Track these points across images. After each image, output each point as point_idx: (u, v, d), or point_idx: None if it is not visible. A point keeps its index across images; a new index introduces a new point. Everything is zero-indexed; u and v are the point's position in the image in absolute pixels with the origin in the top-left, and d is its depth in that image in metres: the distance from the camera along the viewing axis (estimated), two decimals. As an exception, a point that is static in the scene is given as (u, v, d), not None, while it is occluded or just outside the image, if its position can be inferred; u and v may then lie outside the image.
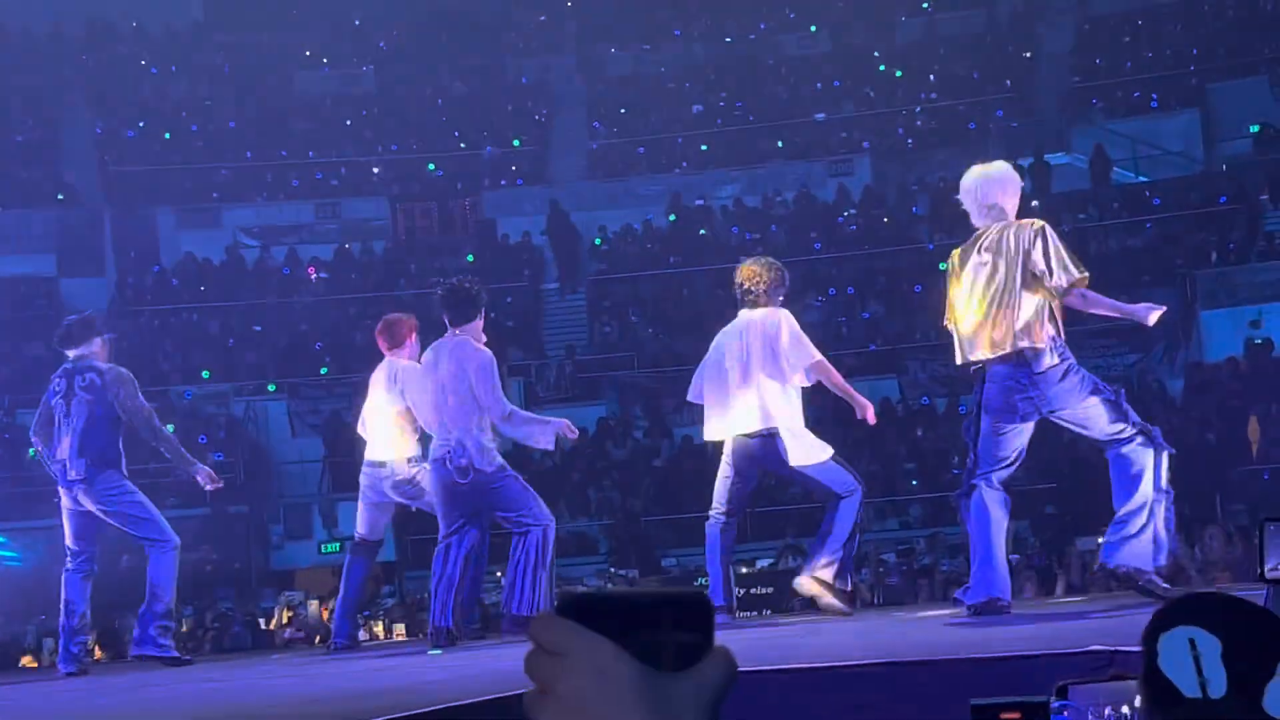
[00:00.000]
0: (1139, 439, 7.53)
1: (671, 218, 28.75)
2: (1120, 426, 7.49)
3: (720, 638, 1.15)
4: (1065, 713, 2.59)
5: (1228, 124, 28.08)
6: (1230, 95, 28.03)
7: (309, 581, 22.12)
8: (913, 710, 4.79)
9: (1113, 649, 4.64)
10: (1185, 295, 24.97)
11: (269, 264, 28.64)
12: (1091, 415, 7.54)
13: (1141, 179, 28.15)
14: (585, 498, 23.93)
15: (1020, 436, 7.65)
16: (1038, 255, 7.42)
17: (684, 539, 22.75)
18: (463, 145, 30.80)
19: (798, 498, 23.36)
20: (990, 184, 7.73)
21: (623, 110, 31.64)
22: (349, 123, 31.30)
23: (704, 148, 30.30)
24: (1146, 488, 7.46)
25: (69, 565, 9.59)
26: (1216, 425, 21.97)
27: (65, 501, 9.57)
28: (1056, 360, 7.49)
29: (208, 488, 9.93)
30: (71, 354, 9.52)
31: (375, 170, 30.55)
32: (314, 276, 28.50)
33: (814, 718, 4.95)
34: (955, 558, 17.89)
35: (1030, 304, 7.45)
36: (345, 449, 24.61)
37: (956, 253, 7.76)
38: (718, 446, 9.16)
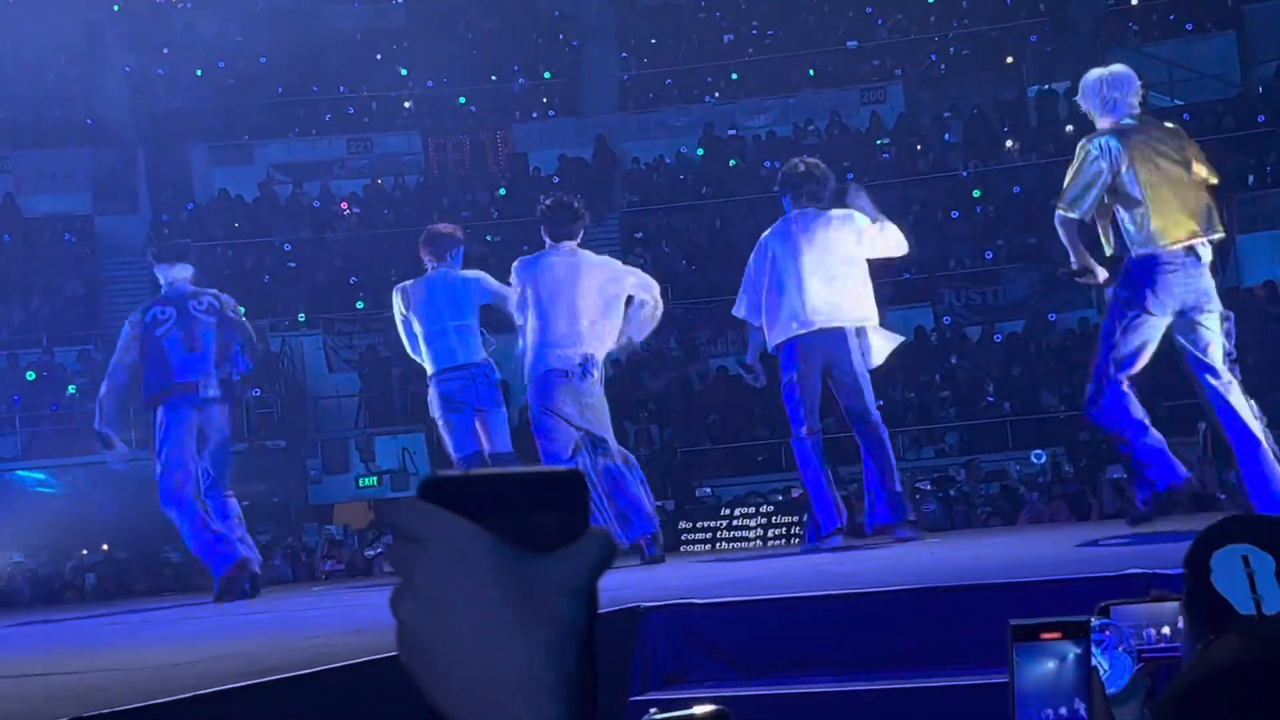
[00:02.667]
0: None
1: (700, 151, 28.66)
2: None
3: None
4: (1107, 632, 2.61)
5: (1264, 46, 27.77)
6: (1267, 16, 27.70)
7: (347, 515, 22.30)
8: (952, 633, 4.82)
9: (1151, 572, 4.65)
10: (1223, 217, 24.80)
11: (302, 200, 28.68)
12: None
13: (1178, 102, 27.88)
14: (621, 429, 23.97)
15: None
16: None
17: (718, 470, 22.83)
18: (493, 78, 30.70)
19: (831, 427, 23.38)
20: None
21: (653, 41, 31.46)
22: (380, 57, 31.21)
23: (735, 77, 30.13)
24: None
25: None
26: (1254, 349, 21.86)
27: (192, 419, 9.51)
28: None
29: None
30: (167, 278, 9.68)
31: (407, 105, 30.48)
32: (347, 212, 28.53)
33: (854, 643, 4.98)
34: (991, 484, 17.93)
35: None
36: (381, 383, 24.79)
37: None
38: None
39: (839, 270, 8.65)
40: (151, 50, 30.54)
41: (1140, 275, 7.45)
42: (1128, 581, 4.66)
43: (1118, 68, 7.86)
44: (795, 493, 19.13)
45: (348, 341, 25.21)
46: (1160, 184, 7.47)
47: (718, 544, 13.26)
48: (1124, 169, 7.43)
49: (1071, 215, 7.50)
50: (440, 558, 0.97)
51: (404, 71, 30.91)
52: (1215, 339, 7.44)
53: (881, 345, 8.77)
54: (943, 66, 29.30)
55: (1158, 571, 4.60)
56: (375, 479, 23.75)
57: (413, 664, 0.98)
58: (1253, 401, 7.50)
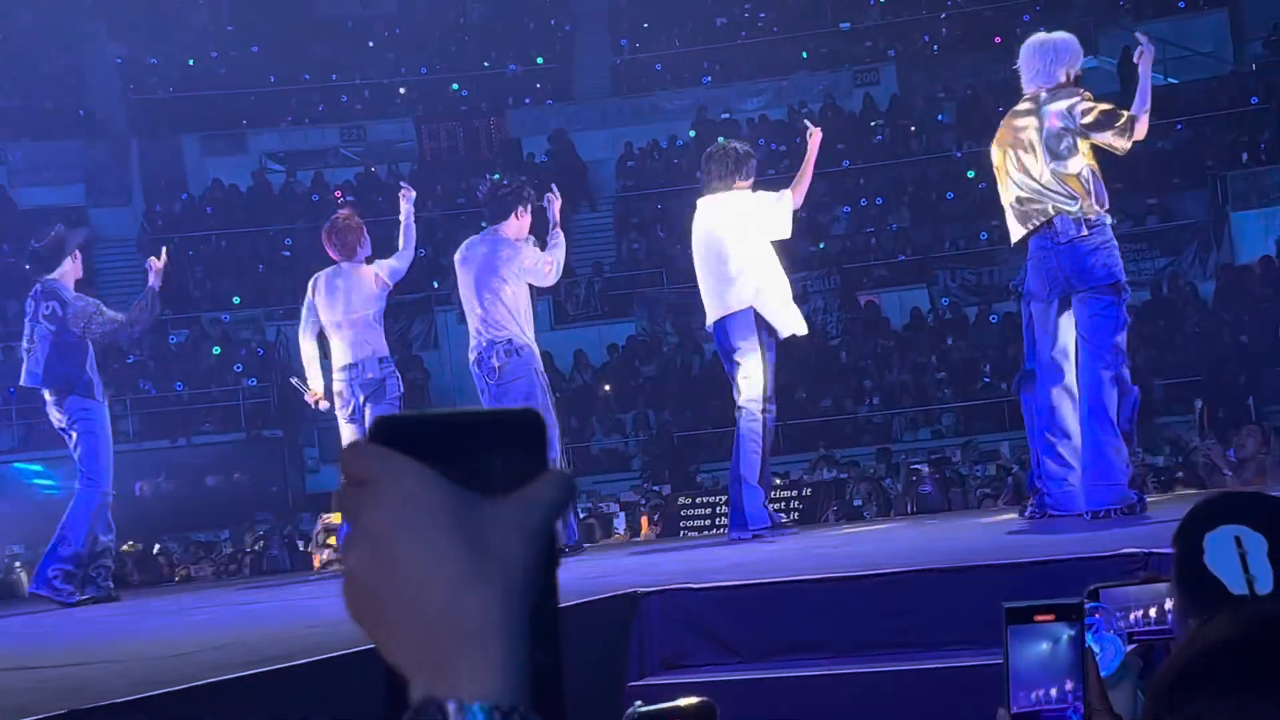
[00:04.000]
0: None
1: (692, 134, 28.62)
2: None
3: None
4: (1097, 614, 2.61)
5: (1256, 24, 27.76)
6: (1259, -6, 27.70)
7: (345, 503, 22.30)
8: (948, 615, 4.82)
9: (1146, 551, 4.66)
10: (1216, 196, 24.81)
11: (296, 189, 28.65)
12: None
13: (1171, 80, 27.85)
14: (618, 415, 24.01)
15: None
16: None
17: (714, 453, 22.84)
18: (486, 64, 30.66)
19: (829, 410, 23.41)
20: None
21: (645, 25, 31.42)
22: (371, 45, 31.17)
23: (728, 61, 30.10)
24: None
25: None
26: (1249, 326, 21.88)
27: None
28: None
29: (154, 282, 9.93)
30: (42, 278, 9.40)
31: (401, 91, 30.44)
32: (340, 200, 28.50)
33: (851, 625, 4.98)
34: (988, 465, 17.92)
35: None
36: (377, 371, 24.79)
37: None
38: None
39: None
40: (143, 40, 30.48)
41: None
42: (1123, 561, 4.67)
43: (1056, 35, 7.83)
44: (794, 476, 19.15)
45: (343, 330, 25.21)
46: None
47: (716, 522, 13.29)
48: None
49: None
50: (389, 501, 0.93)
51: (396, 59, 30.85)
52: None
53: None
54: (935, 47, 29.28)
55: (1153, 551, 4.61)
56: (373, 467, 23.77)
57: (360, 614, 0.94)
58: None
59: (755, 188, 8.94)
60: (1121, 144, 7.22)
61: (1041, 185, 7.25)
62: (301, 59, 30.51)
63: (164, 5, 31.35)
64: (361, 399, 9.44)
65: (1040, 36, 7.66)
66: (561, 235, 9.16)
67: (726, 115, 28.86)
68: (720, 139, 9.60)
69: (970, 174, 26.46)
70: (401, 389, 9.59)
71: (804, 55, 29.87)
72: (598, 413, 23.99)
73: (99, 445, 9.34)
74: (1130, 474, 7.13)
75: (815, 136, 9.00)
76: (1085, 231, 7.16)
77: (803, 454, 20.85)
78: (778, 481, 18.95)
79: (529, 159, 28.95)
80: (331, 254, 9.73)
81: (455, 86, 30.37)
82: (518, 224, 8.99)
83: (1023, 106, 7.46)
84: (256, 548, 17.97)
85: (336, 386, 9.62)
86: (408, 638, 0.92)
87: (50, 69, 29.57)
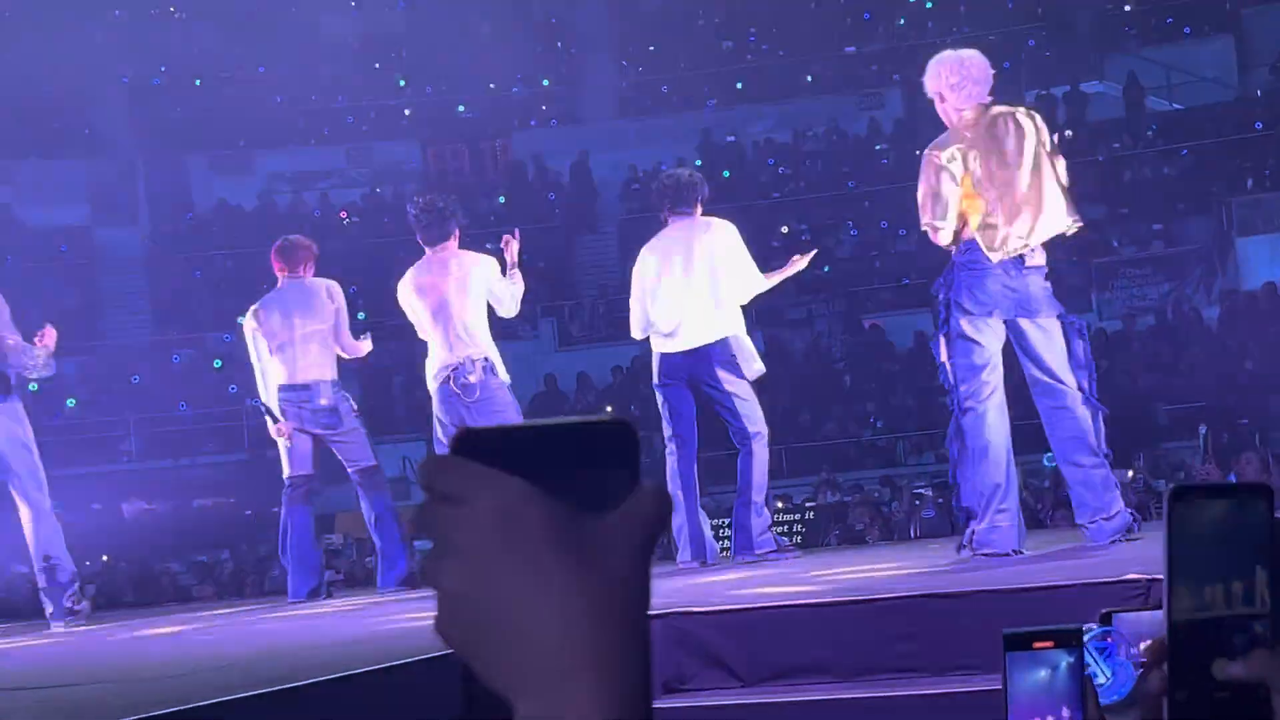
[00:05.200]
0: None
1: (698, 162, 28.67)
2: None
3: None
4: (1109, 639, 2.59)
5: (1262, 50, 27.79)
6: (1264, 20, 27.72)
7: (347, 525, 22.27)
8: (948, 641, 4.81)
9: (1150, 577, 4.64)
10: (1221, 222, 24.82)
11: (301, 209, 28.69)
12: None
13: (1176, 106, 27.91)
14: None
15: None
16: None
17: (719, 477, 22.80)
18: (492, 86, 30.73)
19: (832, 433, 23.39)
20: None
21: (652, 48, 31.48)
22: (378, 65, 31.24)
23: (737, 85, 30.15)
24: None
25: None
26: (1254, 352, 21.87)
27: None
28: None
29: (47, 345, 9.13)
30: None
31: (406, 113, 30.51)
32: (346, 220, 28.55)
33: (852, 650, 4.97)
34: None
35: None
36: (380, 392, 24.77)
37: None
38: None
39: None
40: (149, 60, 30.55)
41: None
42: (1127, 586, 4.65)
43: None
44: (796, 499, 19.13)
45: (347, 351, 25.21)
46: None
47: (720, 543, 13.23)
48: None
49: None
50: (486, 518, 0.88)
51: (402, 81, 30.93)
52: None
53: None
54: (941, 72, 29.30)
55: (1155, 577, 4.59)
56: (376, 488, 23.73)
57: (458, 637, 0.89)
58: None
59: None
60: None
61: None
62: (308, 79, 30.57)
63: (170, 26, 31.44)
64: (310, 422, 9.18)
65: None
66: (519, 277, 8.84)
67: (732, 138, 28.91)
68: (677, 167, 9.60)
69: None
70: (354, 406, 9.39)
71: (809, 79, 29.92)
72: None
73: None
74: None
75: (797, 263, 8.88)
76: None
77: (805, 477, 20.83)
78: (779, 505, 18.95)
79: (534, 180, 29.02)
80: (278, 269, 9.49)
81: (461, 108, 30.44)
82: (456, 242, 8.83)
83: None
84: (259, 568, 17.96)
85: (277, 407, 9.25)
86: (515, 660, 0.88)
87: (56, 88, 29.63)
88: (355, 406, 9.41)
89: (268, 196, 28.76)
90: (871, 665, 4.92)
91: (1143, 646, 2.65)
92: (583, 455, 0.91)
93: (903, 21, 30.54)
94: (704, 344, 8.51)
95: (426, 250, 8.91)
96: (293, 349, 9.19)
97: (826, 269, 25.80)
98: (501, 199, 28.28)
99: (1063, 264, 24.85)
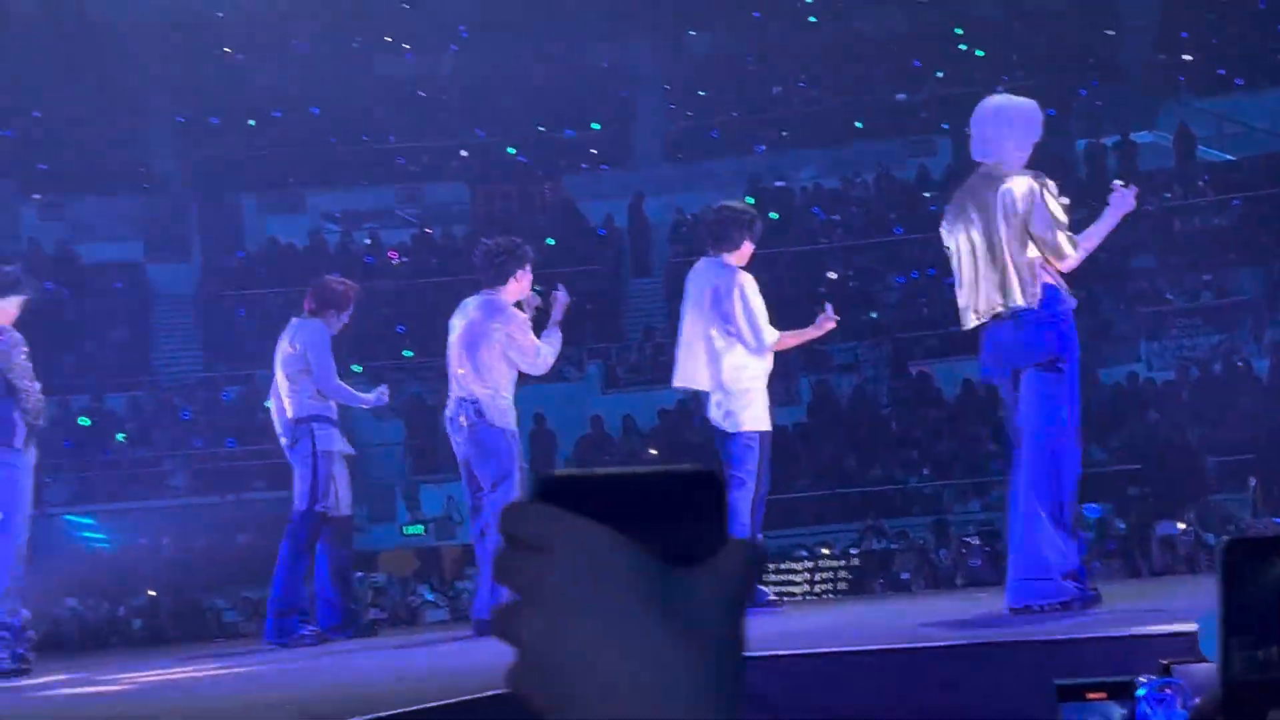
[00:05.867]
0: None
1: (750, 200, 28.69)
2: None
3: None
4: (1168, 690, 2.58)
5: (1315, 101, 27.69)
6: (1318, 71, 27.64)
7: (391, 563, 22.32)
8: (999, 691, 4.78)
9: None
10: (1272, 273, 24.69)
11: (351, 248, 28.87)
12: None
13: (1227, 157, 27.80)
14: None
15: None
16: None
17: (767, 522, 22.75)
18: (542, 129, 30.88)
19: (878, 480, 23.30)
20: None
21: (701, 93, 31.59)
22: (429, 107, 31.46)
23: (783, 131, 30.22)
24: None
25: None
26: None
27: None
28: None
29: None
30: None
31: (461, 154, 30.69)
32: (395, 261, 28.70)
33: (901, 698, 4.95)
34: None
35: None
36: (427, 431, 24.83)
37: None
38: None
39: None
40: (204, 100, 30.86)
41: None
42: (1181, 639, 4.62)
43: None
44: (841, 546, 19.07)
45: (395, 389, 25.26)
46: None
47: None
48: None
49: None
50: (572, 568, 0.84)
51: (453, 122, 31.12)
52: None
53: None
54: (990, 120, 29.25)
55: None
56: (421, 527, 23.79)
57: (539, 690, 0.85)
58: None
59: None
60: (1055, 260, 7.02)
61: None
62: (360, 120, 30.81)
63: (226, 66, 31.75)
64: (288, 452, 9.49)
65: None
66: (559, 334, 8.84)
67: (781, 183, 28.95)
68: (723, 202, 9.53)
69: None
70: (316, 448, 9.42)
71: (859, 125, 29.95)
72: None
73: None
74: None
75: (823, 326, 8.82)
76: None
77: (851, 524, 20.76)
78: (825, 551, 18.90)
79: (583, 222, 29.12)
80: (305, 304, 9.75)
81: (511, 150, 30.59)
82: (517, 286, 8.76)
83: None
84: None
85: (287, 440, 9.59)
86: (601, 717, 0.84)
87: (113, 128, 29.96)
88: (314, 447, 9.42)
89: (318, 236, 28.95)
90: (917, 715, 4.89)
91: (1197, 703, 2.63)
92: (669, 505, 0.88)
93: (943, 75, 30.53)
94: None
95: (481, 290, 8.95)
96: (281, 384, 9.62)
97: (874, 315, 25.77)
98: (550, 241, 28.36)
99: (1112, 313, 24.81)
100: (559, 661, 0.85)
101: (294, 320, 9.74)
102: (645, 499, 0.88)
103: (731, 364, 8.44)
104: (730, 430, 8.47)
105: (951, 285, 7.33)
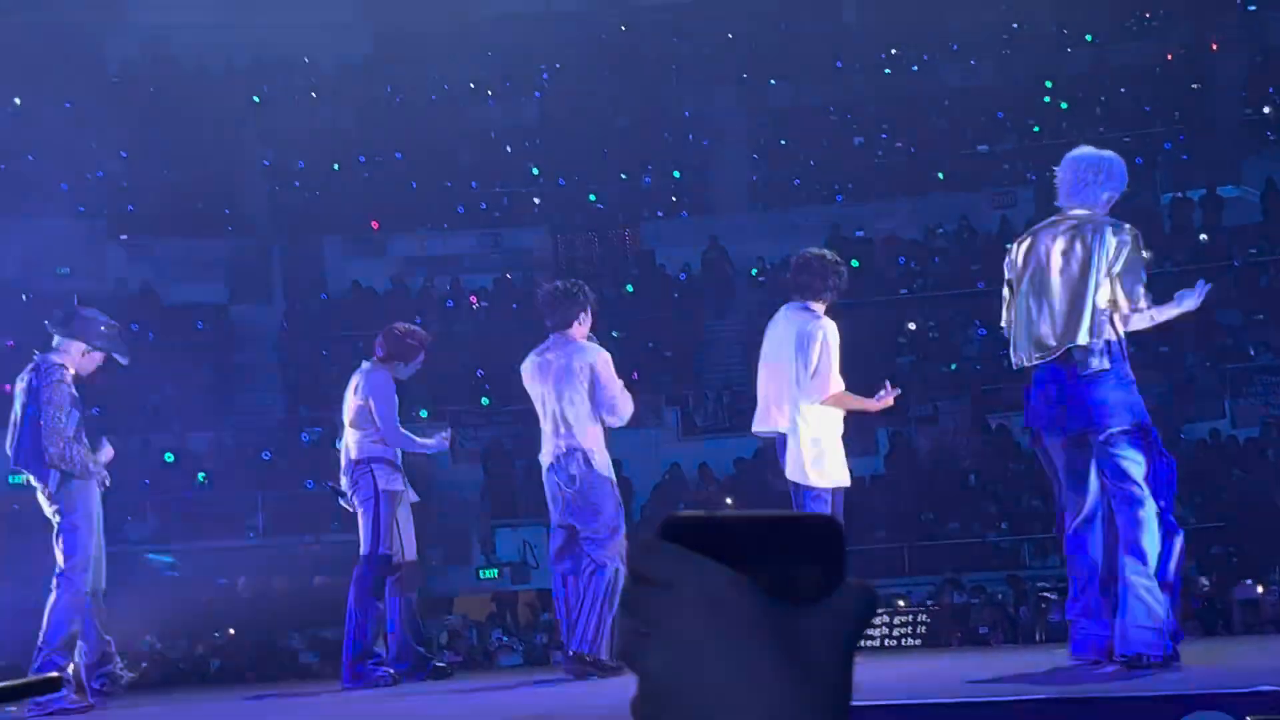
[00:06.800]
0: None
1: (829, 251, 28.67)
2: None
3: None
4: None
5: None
6: None
7: (467, 606, 22.37)
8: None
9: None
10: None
11: (432, 292, 29.07)
12: None
13: (1316, 212, 27.49)
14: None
15: None
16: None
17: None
18: (623, 176, 31.01)
19: (956, 533, 23.13)
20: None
21: (783, 141, 31.64)
22: (512, 153, 31.68)
23: (864, 179, 30.19)
24: None
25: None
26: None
27: None
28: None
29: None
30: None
31: (536, 200, 30.88)
32: (475, 305, 28.87)
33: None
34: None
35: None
36: (504, 476, 24.92)
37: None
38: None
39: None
40: (290, 143, 31.24)
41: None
42: (1258, 699, 4.55)
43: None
44: (917, 598, 18.92)
45: (472, 434, 25.41)
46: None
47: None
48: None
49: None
50: (695, 605, 0.88)
51: (535, 171, 31.33)
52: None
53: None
54: (1074, 172, 29.09)
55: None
56: (496, 571, 23.84)
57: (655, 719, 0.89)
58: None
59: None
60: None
61: None
62: (443, 165, 31.07)
63: (312, 110, 32.14)
64: (352, 495, 9.55)
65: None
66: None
67: (861, 233, 28.91)
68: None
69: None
70: (378, 487, 9.48)
71: (940, 176, 29.88)
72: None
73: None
74: None
75: (883, 402, 8.66)
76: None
77: (927, 576, 20.60)
78: (900, 604, 18.75)
79: (661, 269, 29.18)
80: (376, 350, 9.93)
81: (592, 196, 30.74)
82: (581, 329, 8.80)
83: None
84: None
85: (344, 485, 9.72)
86: None
87: (199, 170, 30.37)
88: (376, 487, 9.48)
89: (400, 280, 29.18)
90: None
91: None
92: (790, 548, 0.91)
93: (1036, 123, 30.41)
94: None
95: (551, 334, 8.96)
96: (347, 431, 9.75)
97: (954, 366, 25.63)
98: (629, 288, 28.46)
99: (1196, 369, 24.56)
100: (680, 694, 0.88)
101: (364, 365, 9.90)
102: (767, 542, 0.91)
103: (808, 412, 8.36)
104: (801, 483, 8.36)
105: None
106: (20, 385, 8.50)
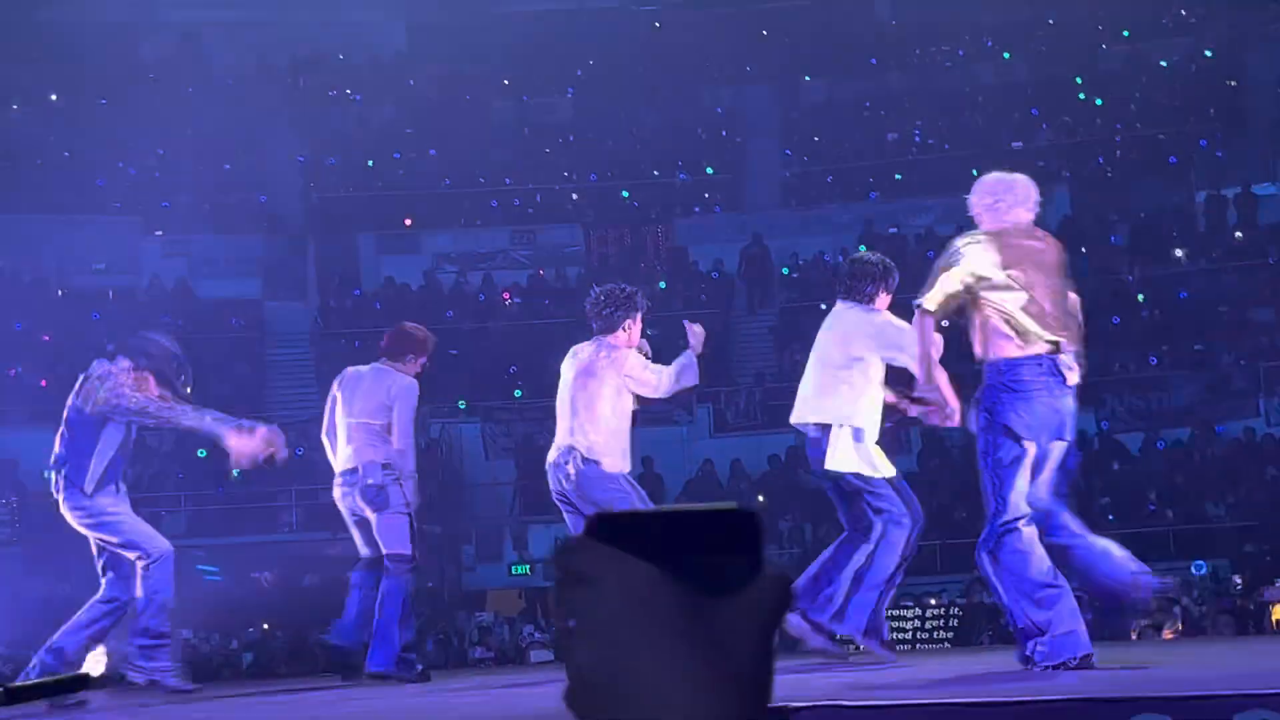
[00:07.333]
0: None
1: (863, 247, 28.59)
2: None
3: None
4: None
5: None
6: None
7: (499, 603, 22.42)
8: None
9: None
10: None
11: (466, 289, 29.13)
12: None
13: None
14: (774, 527, 23.88)
15: None
16: None
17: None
18: (656, 173, 31.02)
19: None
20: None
21: (816, 138, 31.59)
22: (546, 150, 31.71)
23: (898, 176, 30.12)
24: None
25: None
26: None
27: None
28: None
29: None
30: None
31: (575, 197, 30.91)
32: (508, 301, 28.91)
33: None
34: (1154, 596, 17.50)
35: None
36: (536, 472, 24.94)
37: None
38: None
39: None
40: (324, 140, 31.33)
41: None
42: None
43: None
44: (949, 597, 18.89)
45: (505, 430, 25.47)
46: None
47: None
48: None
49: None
50: (617, 599, 0.92)
51: (568, 166, 31.36)
52: None
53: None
54: (1109, 171, 29.00)
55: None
56: (528, 567, 23.88)
57: (586, 710, 0.93)
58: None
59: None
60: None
61: None
62: (476, 162, 31.12)
63: (346, 107, 32.23)
64: (362, 505, 9.21)
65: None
66: (693, 357, 8.63)
67: (894, 230, 28.84)
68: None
69: (1141, 298, 26.12)
70: (409, 498, 9.28)
71: (974, 173, 29.67)
72: (754, 524, 23.93)
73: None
74: None
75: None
76: None
77: (958, 575, 20.55)
78: (931, 602, 18.73)
79: (694, 266, 29.17)
80: (382, 347, 9.72)
81: (625, 194, 30.75)
82: (626, 336, 8.59)
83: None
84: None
85: (336, 493, 9.40)
86: None
87: (234, 166, 30.49)
88: (406, 497, 9.29)
89: (433, 276, 29.24)
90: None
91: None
92: (709, 541, 0.95)
93: (1070, 120, 30.29)
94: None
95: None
96: (345, 433, 9.37)
97: (987, 365, 25.53)
98: (661, 284, 28.46)
99: (1230, 368, 24.43)
100: (608, 685, 0.93)
101: (386, 369, 9.60)
102: (687, 536, 0.96)
103: (859, 405, 8.40)
104: (847, 472, 8.36)
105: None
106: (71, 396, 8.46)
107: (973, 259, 6.70)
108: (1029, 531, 6.76)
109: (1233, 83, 30.39)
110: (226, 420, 8.33)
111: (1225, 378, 24.33)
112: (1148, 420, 24.31)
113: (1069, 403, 6.79)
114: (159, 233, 29.12)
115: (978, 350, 6.81)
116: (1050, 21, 31.47)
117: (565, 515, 8.73)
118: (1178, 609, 14.89)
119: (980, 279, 6.67)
